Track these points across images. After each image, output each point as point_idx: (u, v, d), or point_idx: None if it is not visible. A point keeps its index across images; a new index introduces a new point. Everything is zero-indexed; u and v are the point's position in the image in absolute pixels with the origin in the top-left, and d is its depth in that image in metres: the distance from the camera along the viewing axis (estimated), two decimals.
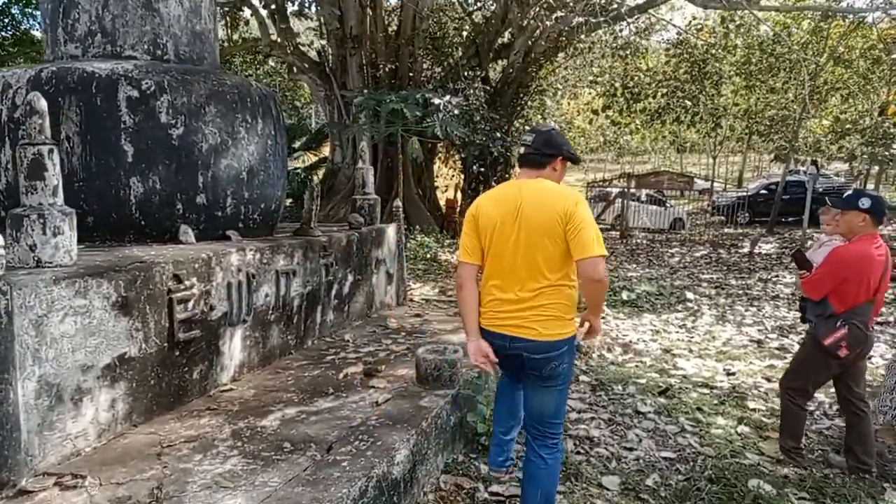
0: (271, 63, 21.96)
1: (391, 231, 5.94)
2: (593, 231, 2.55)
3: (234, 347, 3.83)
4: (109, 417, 2.99)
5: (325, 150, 18.40)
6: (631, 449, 3.84)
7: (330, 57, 17.14)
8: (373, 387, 3.78)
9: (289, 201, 17.37)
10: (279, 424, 3.22)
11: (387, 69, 14.73)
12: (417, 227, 14.25)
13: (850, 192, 3.73)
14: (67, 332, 2.76)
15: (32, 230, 2.80)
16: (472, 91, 14.28)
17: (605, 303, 7.75)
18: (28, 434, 2.61)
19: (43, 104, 2.84)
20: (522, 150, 2.76)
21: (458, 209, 16.09)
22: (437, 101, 11.13)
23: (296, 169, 19.73)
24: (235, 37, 19.84)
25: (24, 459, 2.59)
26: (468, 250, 2.77)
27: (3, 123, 3.69)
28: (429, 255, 12.05)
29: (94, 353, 2.88)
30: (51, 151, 2.85)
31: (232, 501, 2.48)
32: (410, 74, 14.95)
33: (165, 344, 3.30)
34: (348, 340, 4.81)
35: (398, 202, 6.17)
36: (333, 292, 4.92)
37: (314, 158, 19.62)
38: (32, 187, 2.83)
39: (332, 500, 2.48)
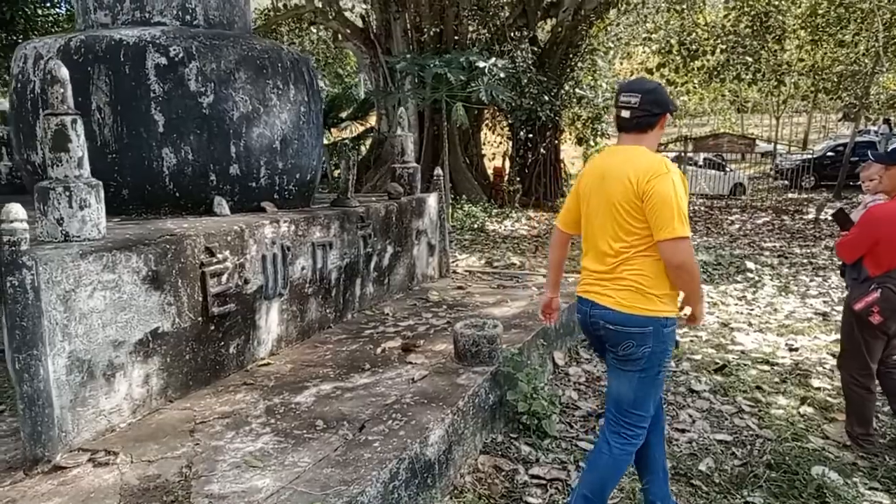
0: (320, 32, 21.85)
1: (432, 200, 5.78)
2: (673, 209, 2.27)
3: (271, 321, 3.77)
4: (144, 393, 2.97)
5: (373, 120, 18.29)
6: (683, 431, 3.62)
7: (374, 22, 16.89)
8: (410, 363, 3.66)
9: (336, 172, 17.40)
10: (314, 401, 3.14)
11: (431, 33, 14.39)
12: (464, 196, 14.04)
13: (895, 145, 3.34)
14: (97, 307, 2.72)
15: (59, 203, 2.75)
16: (519, 53, 13.83)
17: None
18: (61, 410, 2.59)
19: (64, 72, 2.76)
20: (625, 113, 2.45)
21: (505, 177, 15.80)
22: (482, 64, 10.80)
23: (343, 139, 19.72)
24: (280, 4, 19.79)
25: (58, 435, 2.57)
26: (563, 217, 2.76)
27: (37, 95, 3.67)
28: (476, 226, 11.88)
29: (125, 329, 2.85)
30: (74, 122, 2.78)
31: (260, 482, 2.41)
32: (455, 38, 14.57)
33: (200, 318, 3.25)
34: (388, 314, 4.71)
35: (440, 170, 5.98)
36: (372, 264, 4.81)
37: (361, 128, 19.58)
38: (57, 159, 2.77)
39: (362, 482, 2.38)
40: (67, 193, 2.75)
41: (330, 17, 16.26)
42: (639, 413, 2.49)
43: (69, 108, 2.78)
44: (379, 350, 3.88)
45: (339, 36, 18.27)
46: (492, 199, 14.59)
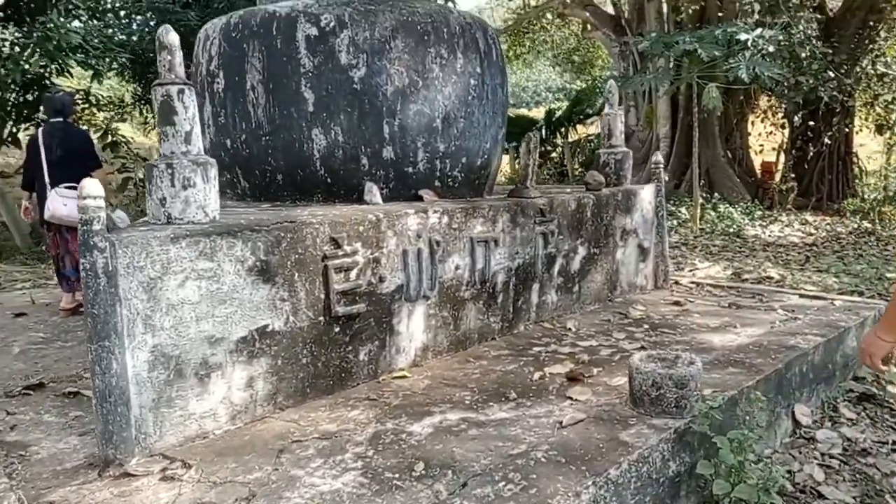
0: (571, 26, 21.17)
1: (646, 194, 4.74)
2: None
3: (413, 327, 3.23)
4: (246, 398, 2.63)
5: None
6: None
7: (626, 6, 15.69)
8: (569, 398, 2.83)
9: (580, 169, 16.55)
10: (429, 433, 2.52)
11: (690, 11, 12.74)
12: (722, 194, 12.20)
13: None
14: (189, 297, 2.43)
15: (161, 182, 2.52)
16: (797, 22, 11.50)
17: None
18: (140, 410, 2.34)
19: (172, 38, 2.52)
20: None
21: (776, 174, 13.42)
22: (743, 36, 9.10)
23: (588, 136, 18.77)
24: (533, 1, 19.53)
25: (136, 437, 2.33)
26: None
27: (203, 77, 3.62)
28: (731, 230, 10.14)
29: (224, 324, 2.53)
30: (181, 92, 2.53)
31: None
32: (720, 14, 12.69)
33: (321, 318, 2.84)
34: (570, 329, 3.88)
35: (658, 157, 4.91)
36: (556, 268, 4.01)
37: None
38: (164, 134, 2.55)
39: None
40: (170, 171, 2.51)
41: (581, 5, 15.50)
42: None
43: (177, 76, 2.53)
44: (537, 375, 3.10)
45: (588, 26, 17.41)
46: (757, 199, 12.46)
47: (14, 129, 8.56)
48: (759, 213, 11.38)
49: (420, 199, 3.54)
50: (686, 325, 3.96)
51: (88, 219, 2.16)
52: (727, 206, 11.45)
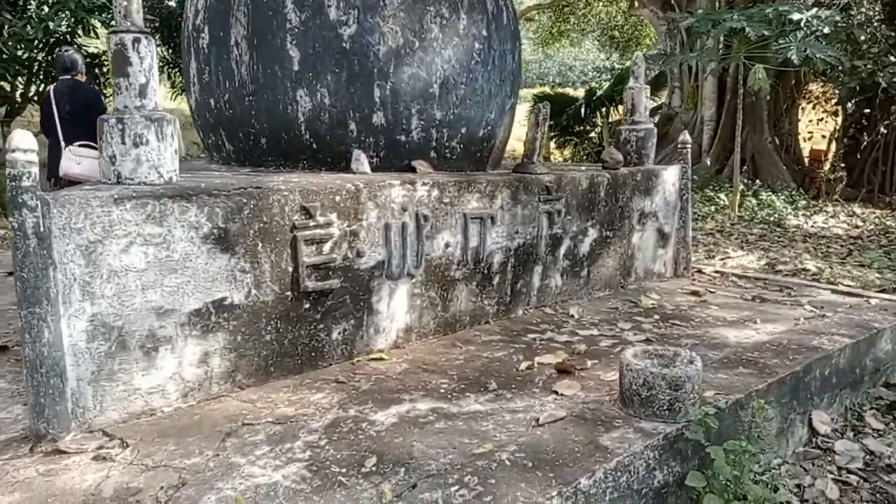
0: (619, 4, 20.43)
1: (670, 175, 4.39)
2: None
3: (395, 307, 3.00)
4: (200, 375, 2.45)
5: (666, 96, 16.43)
6: None
7: None
8: (554, 392, 2.57)
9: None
10: (392, 424, 2.30)
11: None
12: (765, 182, 11.60)
13: None
14: (134, 264, 2.24)
15: (111, 138, 2.33)
16: (860, 3, 10.74)
17: None
18: (78, 382, 2.17)
19: None
20: None
21: (825, 163, 12.71)
22: (796, 16, 8.50)
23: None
24: None
25: (73, 411, 2.17)
26: None
27: (189, 33, 3.41)
28: (771, 218, 9.61)
29: (175, 295, 2.34)
30: (136, 41, 2.31)
31: None
32: None
33: (288, 293, 2.63)
34: (573, 316, 3.60)
35: (685, 136, 4.53)
36: (562, 250, 3.72)
37: (652, 105, 17.85)
38: (118, 86, 2.35)
39: None
40: (120, 127, 2.31)
41: None
42: None
43: (133, 24, 2.32)
44: (525, 365, 2.84)
45: (636, 2, 16.71)
46: (802, 188, 11.81)
47: (42, 89, 8.58)
48: (804, 202, 10.77)
49: (413, 170, 3.29)
50: (701, 317, 3.64)
51: (17, 174, 1.97)
52: (769, 193, 10.88)
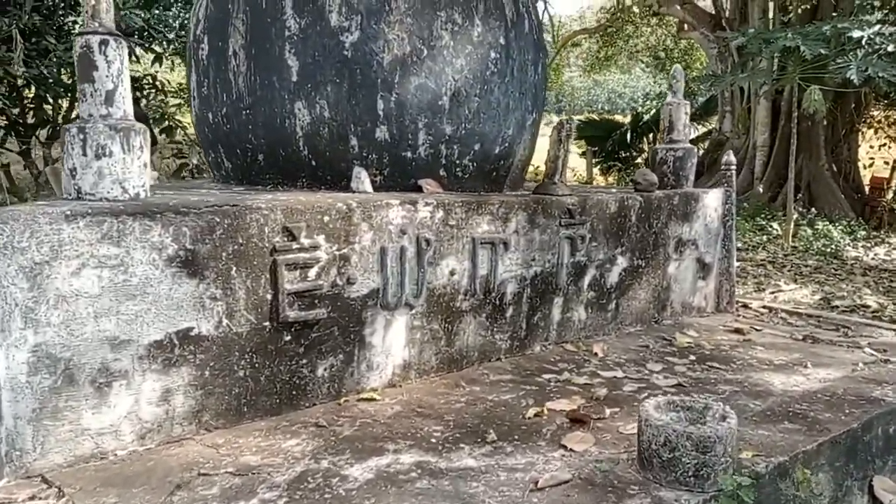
0: (668, 26, 20.02)
1: (712, 199, 3.99)
2: None
3: (392, 340, 2.70)
4: (160, 415, 2.19)
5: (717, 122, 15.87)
6: None
7: (727, 4, 14.54)
8: (563, 447, 2.21)
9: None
10: (367, 481, 1.98)
11: (800, 10, 11.48)
12: (822, 210, 10.92)
13: None
14: (86, 289, 2.01)
15: (72, 150, 2.12)
16: None
17: None
18: (16, 421, 1.94)
19: None
20: None
21: (889, 191, 11.92)
22: (857, 33, 7.97)
23: None
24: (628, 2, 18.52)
25: (7, 453, 1.93)
26: None
27: (190, 43, 3.24)
28: (828, 250, 8.96)
29: (132, 324, 2.09)
30: (104, 43, 2.11)
31: None
32: (834, 13, 11.36)
33: (266, 323, 2.36)
34: (596, 354, 3.23)
35: (730, 156, 4.12)
36: (586, 280, 3.37)
37: (702, 130, 17.31)
38: (83, 93, 2.14)
39: None
40: (82, 137, 2.10)
41: (678, 4, 14.49)
42: None
43: (101, 24, 2.12)
44: (533, 412, 2.49)
45: (686, 25, 16.27)
46: (862, 217, 11.07)
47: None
48: (864, 233, 10.07)
49: (419, 189, 3.00)
50: (743, 359, 3.22)
51: None
52: (826, 223, 10.20)
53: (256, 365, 2.37)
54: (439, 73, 2.95)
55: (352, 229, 2.52)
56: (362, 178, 2.88)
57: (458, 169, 3.13)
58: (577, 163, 16.55)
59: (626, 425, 2.39)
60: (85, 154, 2.10)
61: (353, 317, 2.58)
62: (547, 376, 2.91)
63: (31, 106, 7.95)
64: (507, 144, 3.27)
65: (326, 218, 2.46)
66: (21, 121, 8.17)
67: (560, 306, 3.29)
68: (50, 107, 8.45)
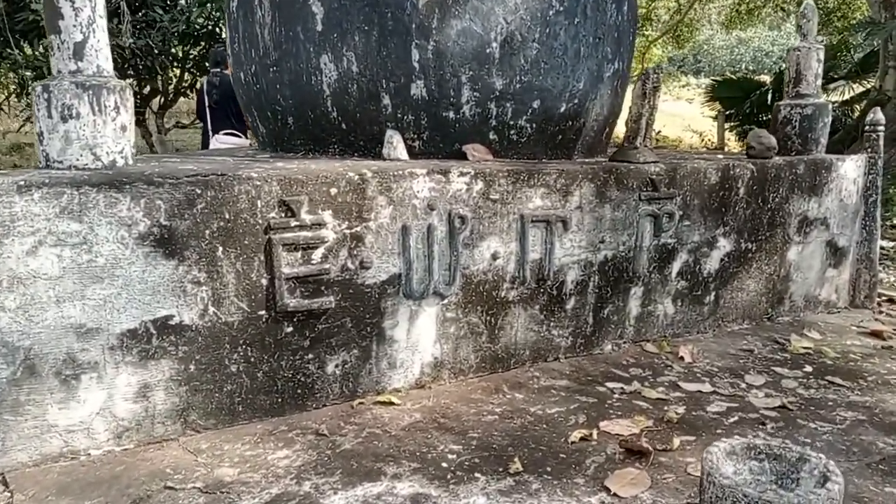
0: None
1: (849, 168, 3.18)
2: None
3: (419, 335, 2.30)
4: (138, 412, 1.94)
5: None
6: None
7: None
8: (607, 489, 1.71)
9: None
10: None
11: None
12: None
13: None
14: (45, 270, 1.77)
15: (39, 111, 1.87)
16: None
17: None
18: None
19: None
20: None
21: None
22: None
23: (832, 102, 15.44)
24: None
25: None
26: None
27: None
28: None
29: (101, 310, 1.84)
30: None
31: None
32: None
33: (262, 312, 2.04)
34: (682, 358, 2.64)
35: (876, 114, 3.24)
36: (675, 266, 2.76)
37: (860, 90, 15.12)
38: (51, 46, 1.88)
39: None
40: (46, 96, 1.85)
41: None
42: None
43: None
44: (580, 434, 1.99)
45: None
46: None
47: (195, 81, 8.96)
48: None
49: (463, 155, 2.54)
50: (878, 373, 2.49)
51: None
52: None
53: (252, 359, 2.06)
54: (487, 13, 2.44)
55: (366, 204, 2.13)
56: (394, 143, 2.47)
57: (512, 132, 2.63)
58: (707, 126, 15.10)
59: (698, 463, 1.83)
60: (50, 116, 1.85)
61: (370, 306, 2.19)
62: (611, 385, 2.38)
63: (142, 77, 8.23)
64: (576, 101, 2.71)
65: (334, 190, 2.08)
66: (135, 92, 8.54)
67: (639, 298, 2.72)
68: (159, 77, 8.73)
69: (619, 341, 2.73)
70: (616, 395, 2.30)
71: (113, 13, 7.05)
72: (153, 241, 1.87)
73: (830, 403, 2.23)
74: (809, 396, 2.30)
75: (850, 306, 3.35)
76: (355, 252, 2.14)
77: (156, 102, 8.90)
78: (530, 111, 2.61)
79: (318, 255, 2.09)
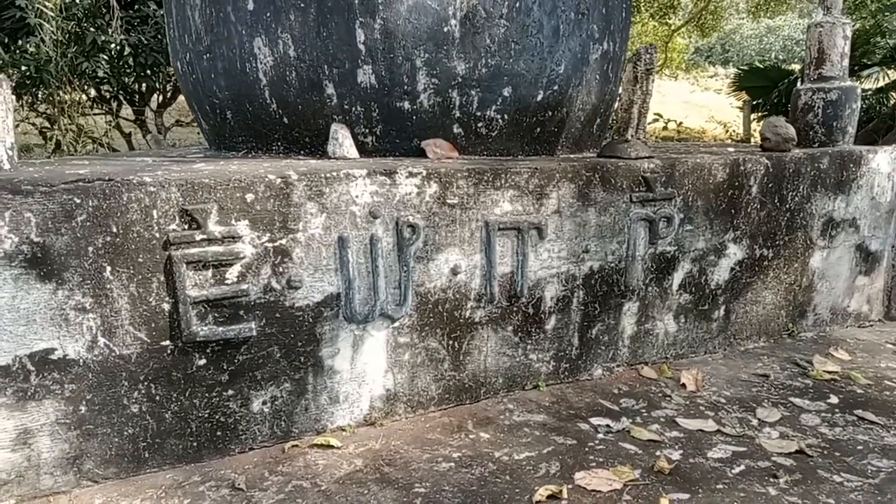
0: None
1: (882, 162, 2.75)
2: None
3: (367, 364, 1.95)
4: (18, 462, 1.63)
5: None
6: None
7: None
8: None
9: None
10: None
11: None
12: None
13: None
14: None
15: None
16: None
17: None
18: None
19: None
20: None
21: None
22: None
23: (864, 91, 14.66)
24: None
25: None
26: None
27: None
28: None
29: None
30: None
31: None
32: None
33: (166, 343, 1.72)
34: (683, 385, 2.25)
35: None
36: (677, 278, 2.37)
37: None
38: None
39: None
40: None
41: None
42: None
43: None
44: (546, 492, 1.63)
45: None
46: None
47: None
48: None
49: (422, 153, 2.18)
50: None
51: None
52: None
53: (157, 398, 1.74)
54: None
55: (291, 212, 1.78)
56: (340, 140, 2.12)
57: (479, 124, 2.26)
58: (733, 117, 14.49)
59: None
60: None
61: (302, 332, 1.85)
62: (596, 421, 2.01)
63: (136, 74, 8.00)
64: (556, 88, 2.33)
65: (250, 196, 1.74)
66: (133, 89, 8.31)
67: (634, 315, 2.34)
68: (153, 74, 8.49)
69: (611, 364, 2.35)
70: (600, 436, 1.93)
71: (104, 8, 6.83)
72: (23, 260, 1.55)
73: (860, 448, 1.84)
74: (834, 437, 1.90)
75: (884, 319, 2.92)
76: (281, 269, 1.80)
77: (155, 101, 8.68)
78: (500, 100, 2.24)
79: (233, 273, 1.75)
